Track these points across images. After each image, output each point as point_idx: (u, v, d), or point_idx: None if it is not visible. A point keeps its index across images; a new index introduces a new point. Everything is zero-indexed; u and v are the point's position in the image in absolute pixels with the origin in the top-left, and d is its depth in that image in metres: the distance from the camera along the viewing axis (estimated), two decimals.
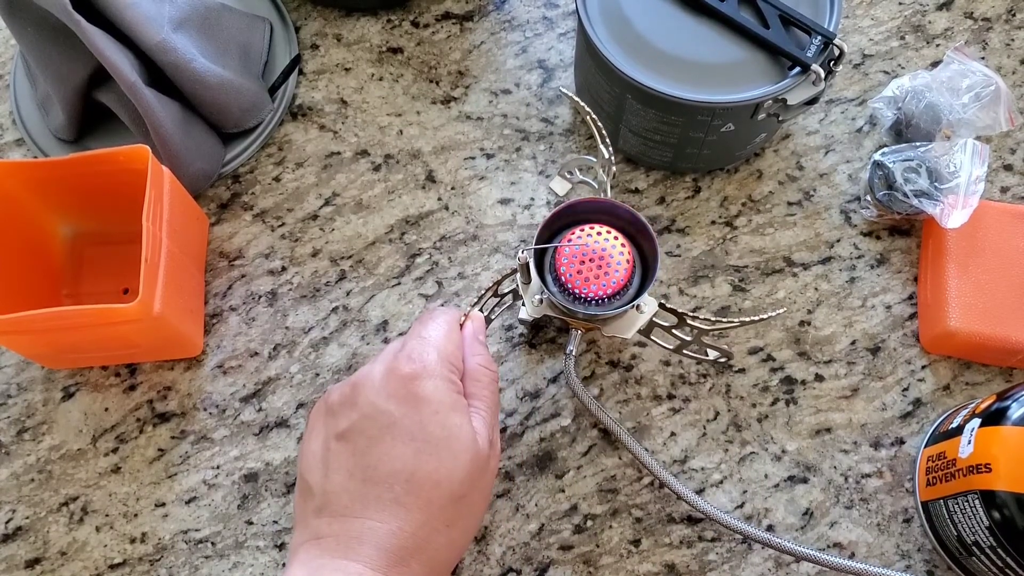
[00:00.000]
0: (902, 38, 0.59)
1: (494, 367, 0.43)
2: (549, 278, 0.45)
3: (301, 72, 0.59)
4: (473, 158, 0.57)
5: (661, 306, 0.45)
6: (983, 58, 0.58)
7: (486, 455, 0.40)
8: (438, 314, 0.43)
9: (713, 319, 0.44)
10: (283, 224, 0.55)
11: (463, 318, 0.43)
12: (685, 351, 0.49)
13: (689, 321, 0.45)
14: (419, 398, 0.39)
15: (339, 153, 0.57)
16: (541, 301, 0.46)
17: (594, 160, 0.49)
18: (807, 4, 0.49)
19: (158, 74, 0.51)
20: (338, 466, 0.39)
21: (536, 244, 0.44)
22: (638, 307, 0.45)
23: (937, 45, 0.59)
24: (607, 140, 0.47)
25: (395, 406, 0.39)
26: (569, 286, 0.44)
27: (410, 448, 0.38)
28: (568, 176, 0.54)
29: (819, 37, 0.47)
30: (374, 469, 0.38)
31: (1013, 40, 0.59)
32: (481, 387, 0.42)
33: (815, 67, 0.46)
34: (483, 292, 0.46)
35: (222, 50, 0.54)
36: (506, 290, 0.47)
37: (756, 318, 0.44)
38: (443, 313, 0.43)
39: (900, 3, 0.60)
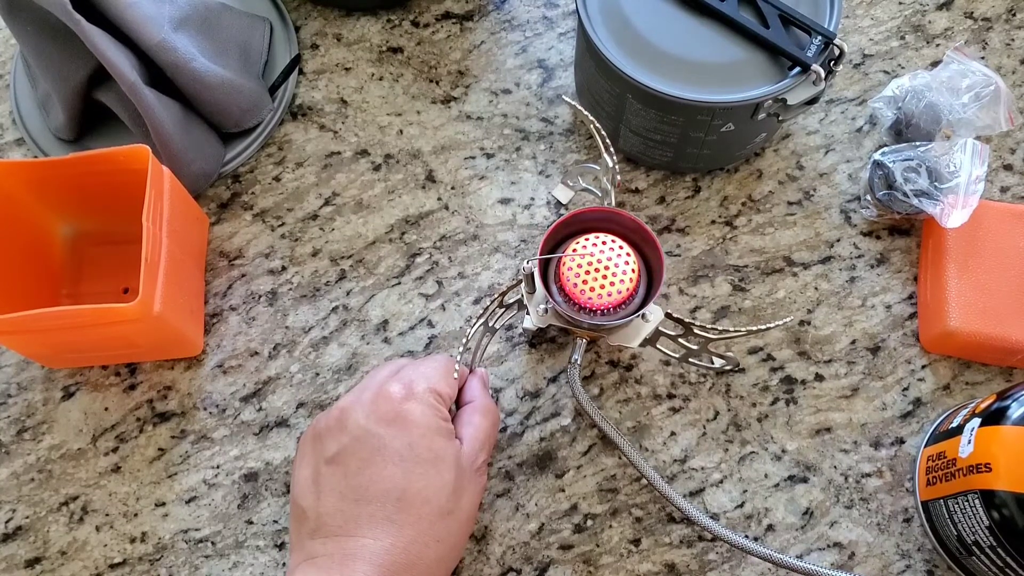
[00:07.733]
0: (902, 38, 0.59)
1: (494, 410, 0.45)
2: (554, 288, 0.45)
3: (301, 72, 0.59)
4: (473, 158, 0.57)
5: (667, 315, 0.45)
6: (983, 58, 0.58)
7: (470, 474, 0.42)
8: (436, 356, 0.46)
9: (720, 328, 0.44)
10: (283, 224, 0.55)
11: (456, 367, 0.44)
12: (691, 360, 0.48)
13: (696, 330, 0.45)
14: (407, 421, 0.41)
15: (339, 153, 0.57)
16: (546, 311, 0.45)
17: (597, 168, 0.49)
18: (807, 4, 0.49)
19: (158, 74, 0.51)
20: (330, 489, 0.40)
21: (541, 254, 0.43)
22: (644, 316, 0.45)
23: (937, 45, 0.59)
24: (611, 149, 0.47)
25: (384, 429, 0.40)
26: (574, 296, 0.43)
27: (400, 468, 0.40)
28: (571, 184, 0.53)
29: (819, 37, 0.47)
30: (366, 489, 0.39)
31: (1013, 40, 0.59)
32: (474, 428, 0.43)
33: (815, 67, 0.46)
34: (488, 304, 0.46)
35: (222, 50, 0.54)
36: (511, 300, 0.47)
37: (764, 327, 0.43)
38: (442, 356, 0.46)
39: (900, 3, 0.60)
